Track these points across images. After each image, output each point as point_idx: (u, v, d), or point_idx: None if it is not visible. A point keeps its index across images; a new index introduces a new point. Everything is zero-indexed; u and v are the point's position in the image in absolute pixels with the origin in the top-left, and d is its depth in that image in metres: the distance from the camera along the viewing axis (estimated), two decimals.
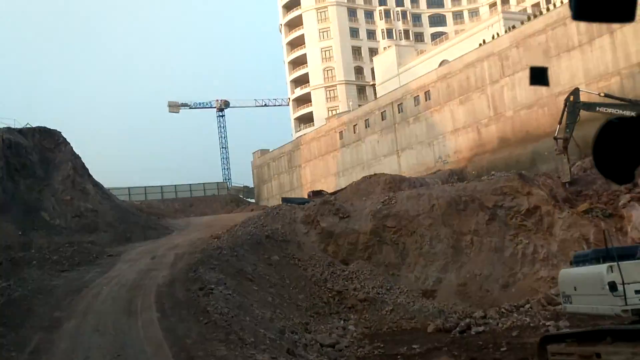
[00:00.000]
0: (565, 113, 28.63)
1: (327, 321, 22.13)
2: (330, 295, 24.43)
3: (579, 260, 12.56)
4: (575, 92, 29.27)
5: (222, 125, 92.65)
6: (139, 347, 13.04)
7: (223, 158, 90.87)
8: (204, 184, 73.61)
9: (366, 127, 60.72)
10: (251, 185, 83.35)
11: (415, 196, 28.40)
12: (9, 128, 37.04)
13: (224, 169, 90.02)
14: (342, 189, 49.21)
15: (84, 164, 39.02)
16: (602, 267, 11.26)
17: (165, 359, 12.02)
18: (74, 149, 39.00)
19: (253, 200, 77.02)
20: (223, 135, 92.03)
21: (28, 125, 39.31)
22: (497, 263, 25.00)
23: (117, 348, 13.11)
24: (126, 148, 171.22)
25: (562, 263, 23.58)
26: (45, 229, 33.16)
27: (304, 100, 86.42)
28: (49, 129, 39.33)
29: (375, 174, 46.84)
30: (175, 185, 71.72)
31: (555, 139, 29.25)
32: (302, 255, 27.05)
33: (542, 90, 42.98)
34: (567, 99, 29.17)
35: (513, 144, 45.49)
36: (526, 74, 43.55)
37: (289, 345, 15.72)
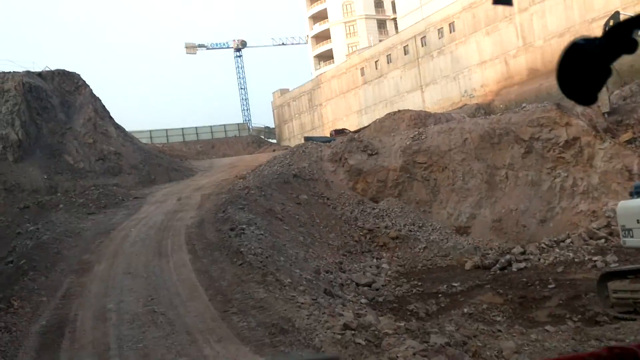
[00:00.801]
0: None
1: (360, 260, 21.50)
2: (361, 233, 23.72)
3: None
4: (615, 15, 26.75)
5: (240, 65, 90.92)
6: (172, 290, 12.43)
7: (242, 99, 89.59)
8: (224, 125, 72.69)
9: (388, 63, 58.82)
10: (272, 125, 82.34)
11: (447, 130, 27.20)
12: (28, 71, 36.20)
13: (244, 110, 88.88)
14: (365, 127, 48.00)
15: (104, 106, 38.24)
16: None
17: (201, 302, 11.39)
18: (93, 91, 38.14)
19: (274, 141, 76.19)
20: (241, 76, 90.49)
21: (47, 69, 38.38)
22: (533, 197, 23.97)
23: (150, 291, 12.52)
24: (146, 91, 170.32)
25: (604, 196, 22.55)
26: (69, 173, 32.73)
27: (323, 37, 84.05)
28: (68, 71, 38.42)
29: (399, 111, 45.43)
30: (196, 127, 70.93)
31: None
32: (330, 194, 26.27)
33: (574, 17, 40.83)
34: (606, 24, 26.71)
35: (543, 75, 43.55)
36: (558, 0, 41.47)
37: (325, 285, 15.09)
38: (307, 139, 46.94)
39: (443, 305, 14.39)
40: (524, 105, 32.09)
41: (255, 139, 71.80)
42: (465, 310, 13.25)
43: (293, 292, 11.64)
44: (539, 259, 18.82)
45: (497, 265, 18.42)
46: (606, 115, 25.79)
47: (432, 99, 53.73)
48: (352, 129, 53.66)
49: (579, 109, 25.63)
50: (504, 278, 16.87)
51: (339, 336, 8.77)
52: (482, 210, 24.83)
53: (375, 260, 22.00)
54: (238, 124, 76.40)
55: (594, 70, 1.58)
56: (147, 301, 11.72)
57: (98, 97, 37.96)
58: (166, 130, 68.92)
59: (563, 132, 24.17)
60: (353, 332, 9.06)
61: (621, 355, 1.12)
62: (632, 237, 11.37)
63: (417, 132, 28.23)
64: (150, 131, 66.67)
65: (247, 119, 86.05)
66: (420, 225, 24.94)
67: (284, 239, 18.62)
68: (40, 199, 28.17)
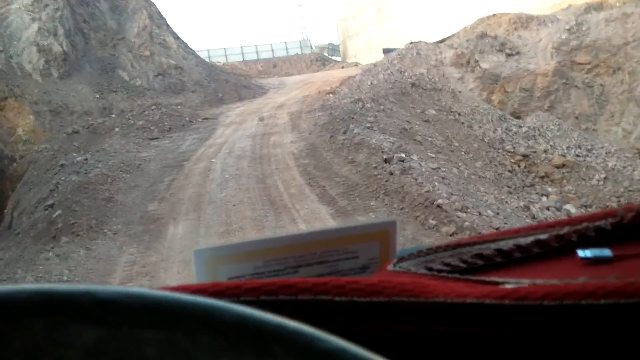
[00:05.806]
0: None
1: (523, 197, 14.43)
2: (513, 161, 16.52)
3: None
4: None
5: None
6: None
7: (300, 16, 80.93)
8: (286, 42, 64.84)
9: None
10: (335, 42, 73.78)
11: (620, 17, 19.19)
12: None
13: (302, 27, 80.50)
14: (450, 37, 39.73)
15: (160, 12, 31.14)
16: None
17: None
18: None
19: (339, 59, 67.86)
20: None
21: None
22: None
23: None
24: (201, 8, 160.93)
25: None
26: (125, 91, 26.16)
27: None
28: None
29: (494, 14, 36.91)
30: (256, 45, 63.32)
31: None
32: (460, 108, 18.86)
33: None
34: None
35: None
36: None
37: None
38: (385, 51, 39.10)
39: None
40: None
41: (318, 57, 63.73)
42: None
43: None
44: None
45: None
46: None
47: (525, 1, 44.35)
48: (434, 41, 45.20)
49: None
50: None
51: None
52: None
53: (544, 198, 14.93)
54: (300, 41, 68.27)
55: None
56: None
57: (152, 2, 30.82)
58: (224, 49, 61.66)
59: None
60: None
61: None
62: None
63: (575, 23, 20.32)
64: (208, 50, 59.49)
65: (306, 37, 77.69)
66: (589, 148, 17.55)
67: (441, 173, 11.61)
68: (92, 122, 21.82)
